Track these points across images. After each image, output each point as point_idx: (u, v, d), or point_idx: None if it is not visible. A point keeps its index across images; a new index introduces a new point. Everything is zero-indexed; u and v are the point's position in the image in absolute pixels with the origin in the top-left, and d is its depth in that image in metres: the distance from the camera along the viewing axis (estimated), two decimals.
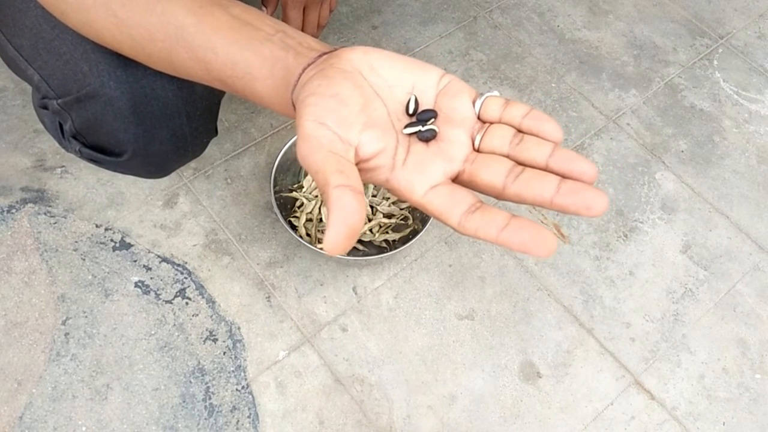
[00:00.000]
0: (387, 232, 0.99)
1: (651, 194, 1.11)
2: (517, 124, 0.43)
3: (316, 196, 0.99)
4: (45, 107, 0.71)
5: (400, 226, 1.00)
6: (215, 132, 0.75)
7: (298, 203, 1.00)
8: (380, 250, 0.99)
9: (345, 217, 0.36)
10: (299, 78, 0.44)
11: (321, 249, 0.93)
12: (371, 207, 1.00)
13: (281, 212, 0.93)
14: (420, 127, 0.43)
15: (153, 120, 0.65)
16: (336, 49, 0.45)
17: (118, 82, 0.62)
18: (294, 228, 0.96)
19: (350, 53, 0.44)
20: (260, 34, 0.47)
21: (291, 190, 1.00)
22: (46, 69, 0.66)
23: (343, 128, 0.41)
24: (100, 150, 0.70)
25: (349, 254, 0.97)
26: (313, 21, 0.94)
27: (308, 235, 0.97)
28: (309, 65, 0.45)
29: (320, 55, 0.45)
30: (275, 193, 0.95)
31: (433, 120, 0.44)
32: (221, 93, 0.72)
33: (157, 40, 0.51)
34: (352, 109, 0.41)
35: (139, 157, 0.69)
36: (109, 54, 0.62)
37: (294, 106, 0.44)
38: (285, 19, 0.90)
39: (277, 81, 0.46)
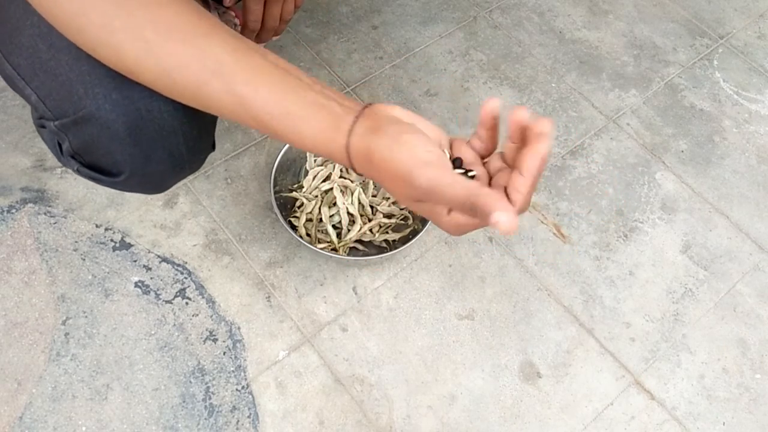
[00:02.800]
0: (387, 232, 0.99)
1: (651, 194, 1.11)
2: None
3: (316, 197, 0.99)
4: (43, 126, 0.71)
5: (400, 226, 1.00)
6: (212, 147, 0.76)
7: (298, 203, 1.00)
8: (380, 250, 0.98)
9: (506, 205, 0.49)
10: (353, 125, 0.53)
11: (321, 249, 0.94)
12: (371, 207, 1.00)
13: (281, 212, 0.93)
14: (467, 171, 0.54)
15: (149, 141, 0.66)
16: (368, 105, 0.55)
17: (114, 105, 0.62)
18: (294, 228, 0.96)
19: (388, 109, 0.54)
20: (302, 83, 0.53)
21: (291, 190, 1.00)
22: (42, 89, 0.66)
23: (439, 154, 0.52)
24: (98, 170, 0.70)
25: (348, 254, 0.97)
26: (275, 14, 0.92)
27: (308, 235, 0.97)
28: (358, 116, 0.53)
29: (363, 108, 0.54)
30: (275, 193, 0.95)
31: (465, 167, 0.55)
32: None
33: (190, 69, 0.53)
34: (433, 142, 0.52)
35: (136, 177, 0.69)
36: (104, 76, 0.62)
37: (348, 149, 0.53)
38: (245, 11, 0.89)
39: (324, 124, 0.53)
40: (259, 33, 0.95)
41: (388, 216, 1.00)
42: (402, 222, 1.00)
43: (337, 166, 1.01)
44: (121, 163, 0.67)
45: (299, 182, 1.02)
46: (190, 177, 1.04)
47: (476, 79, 1.22)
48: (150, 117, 0.64)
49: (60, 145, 0.73)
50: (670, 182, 1.13)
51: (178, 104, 0.64)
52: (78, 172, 0.72)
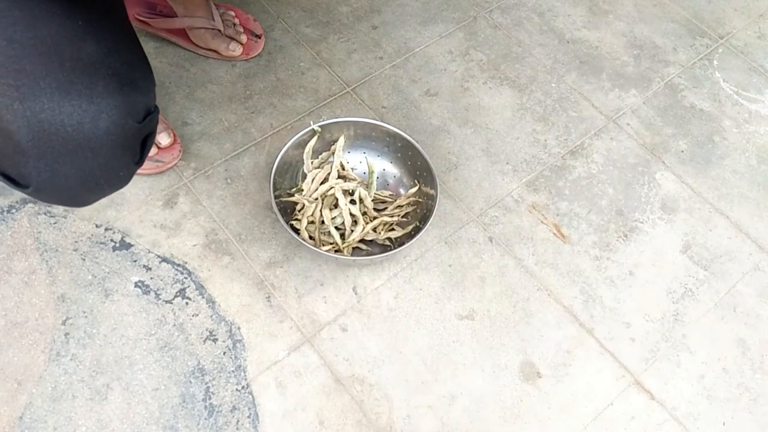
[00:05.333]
0: (393, 229, 0.99)
1: (651, 194, 1.11)
2: None
3: (317, 199, 0.99)
4: None
5: (403, 223, 1.00)
6: (136, 164, 0.74)
7: (298, 207, 1.00)
8: (384, 248, 0.98)
9: None
10: None
11: (326, 251, 0.94)
12: (373, 203, 1.00)
13: (282, 216, 0.93)
14: None
15: (54, 155, 0.64)
16: None
17: (15, 116, 0.62)
18: (296, 231, 0.96)
19: None
20: None
21: (290, 195, 1.00)
22: None
23: None
24: (11, 179, 0.69)
25: (352, 254, 0.97)
26: None
27: (311, 237, 0.97)
28: None
29: None
30: (275, 198, 0.95)
31: None
32: (134, 127, 0.70)
33: None
34: None
35: (44, 190, 0.68)
36: (9, 86, 0.61)
37: None
38: None
39: None
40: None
41: (390, 215, 1.00)
42: (404, 219, 1.00)
43: (334, 167, 1.01)
44: (26, 175, 0.66)
45: (297, 185, 1.02)
46: (191, 177, 1.04)
47: (476, 79, 1.22)
48: (53, 130, 0.63)
49: None
50: (670, 182, 1.13)
51: (84, 119, 0.63)
52: None
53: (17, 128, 0.62)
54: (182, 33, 1.16)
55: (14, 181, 0.69)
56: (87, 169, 0.67)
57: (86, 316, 0.91)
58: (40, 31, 0.63)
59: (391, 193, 1.03)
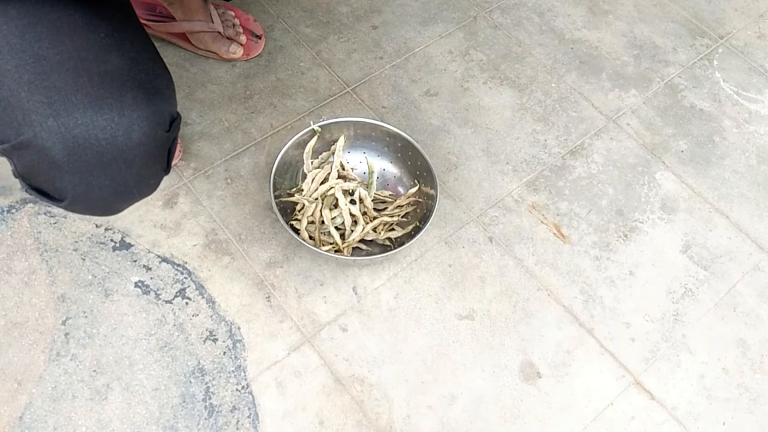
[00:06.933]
0: (393, 229, 0.99)
1: (651, 194, 1.11)
2: None
3: (317, 199, 0.99)
4: None
5: (403, 223, 1.00)
6: (164, 171, 0.75)
7: (298, 207, 1.00)
8: (383, 248, 0.98)
9: None
10: None
11: (326, 251, 0.94)
12: (373, 203, 1.00)
13: (282, 216, 0.93)
14: None
15: (89, 168, 0.65)
16: None
17: (50, 133, 0.62)
18: (296, 231, 0.96)
19: None
20: None
21: (290, 195, 1.00)
22: None
23: None
24: (44, 193, 0.70)
25: (352, 254, 0.97)
26: None
27: (311, 237, 0.97)
28: None
29: None
30: (275, 198, 0.95)
31: None
32: (163, 136, 0.71)
33: None
34: None
35: (79, 202, 0.69)
36: (41, 103, 0.62)
37: None
38: None
39: None
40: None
41: (390, 215, 1.00)
42: (404, 219, 1.00)
43: (334, 167, 1.01)
44: (61, 189, 0.67)
45: (297, 185, 1.02)
46: (191, 177, 1.04)
47: (476, 79, 1.22)
48: (87, 145, 0.63)
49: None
50: (670, 182, 1.13)
51: (117, 132, 0.64)
52: (28, 192, 0.72)
53: (52, 144, 0.63)
54: (182, 35, 1.16)
55: (48, 196, 0.69)
56: (121, 181, 0.68)
57: (86, 316, 0.91)
58: (65, 45, 0.63)
59: (391, 193, 1.03)
